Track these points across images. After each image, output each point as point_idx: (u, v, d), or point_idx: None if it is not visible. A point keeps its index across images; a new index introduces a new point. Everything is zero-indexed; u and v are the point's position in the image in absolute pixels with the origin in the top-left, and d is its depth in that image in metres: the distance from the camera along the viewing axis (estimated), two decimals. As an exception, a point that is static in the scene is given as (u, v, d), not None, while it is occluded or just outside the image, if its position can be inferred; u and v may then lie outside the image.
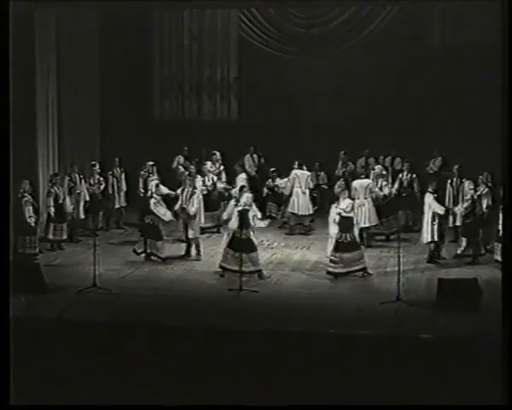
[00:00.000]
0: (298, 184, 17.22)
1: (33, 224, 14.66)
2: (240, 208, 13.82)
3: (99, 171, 17.13)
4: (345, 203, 13.81)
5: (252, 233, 13.88)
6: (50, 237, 15.70)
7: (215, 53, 20.67)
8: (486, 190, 14.97)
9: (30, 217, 14.52)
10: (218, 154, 18.04)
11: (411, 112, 19.41)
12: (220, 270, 13.95)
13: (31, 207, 14.59)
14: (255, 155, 19.47)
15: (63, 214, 15.78)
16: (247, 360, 10.09)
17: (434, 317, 11.73)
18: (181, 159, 18.78)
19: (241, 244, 13.59)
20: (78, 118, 17.80)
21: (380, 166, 17.06)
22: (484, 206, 14.86)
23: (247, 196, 14.05)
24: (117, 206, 17.67)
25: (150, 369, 9.98)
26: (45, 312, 11.79)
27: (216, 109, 21.00)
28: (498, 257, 13.56)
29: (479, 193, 15.01)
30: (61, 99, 17.00)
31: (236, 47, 20.49)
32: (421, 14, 18.55)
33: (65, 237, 15.79)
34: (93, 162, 17.29)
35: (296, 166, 17.42)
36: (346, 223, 13.68)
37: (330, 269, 13.76)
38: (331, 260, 13.78)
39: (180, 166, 18.60)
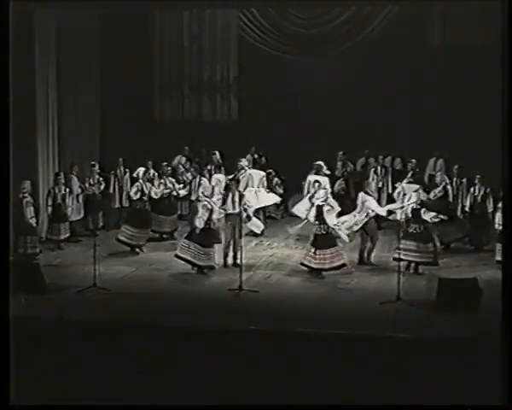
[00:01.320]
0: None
1: (34, 224, 14.68)
2: (318, 203, 13.78)
3: (99, 171, 17.14)
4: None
5: (329, 228, 13.81)
6: (52, 237, 15.70)
7: (215, 53, 20.67)
8: (489, 189, 15.18)
9: (31, 217, 14.52)
10: (217, 154, 18.04)
11: (411, 112, 19.41)
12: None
13: (32, 208, 14.59)
14: (256, 155, 19.47)
15: (63, 214, 15.79)
16: (247, 360, 10.08)
17: (434, 317, 11.72)
18: (182, 159, 18.79)
19: (322, 240, 13.64)
20: (78, 118, 17.80)
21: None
22: (490, 206, 15.17)
23: (324, 192, 14.12)
24: (118, 206, 17.68)
25: (150, 369, 9.98)
26: (45, 312, 11.77)
27: (216, 109, 20.99)
28: (498, 257, 13.58)
29: (482, 193, 15.21)
30: (60, 99, 16.97)
31: (236, 47, 20.48)
32: (421, 14, 18.55)
33: (63, 237, 15.77)
34: (93, 162, 17.28)
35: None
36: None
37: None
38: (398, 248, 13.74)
39: (180, 166, 18.60)
